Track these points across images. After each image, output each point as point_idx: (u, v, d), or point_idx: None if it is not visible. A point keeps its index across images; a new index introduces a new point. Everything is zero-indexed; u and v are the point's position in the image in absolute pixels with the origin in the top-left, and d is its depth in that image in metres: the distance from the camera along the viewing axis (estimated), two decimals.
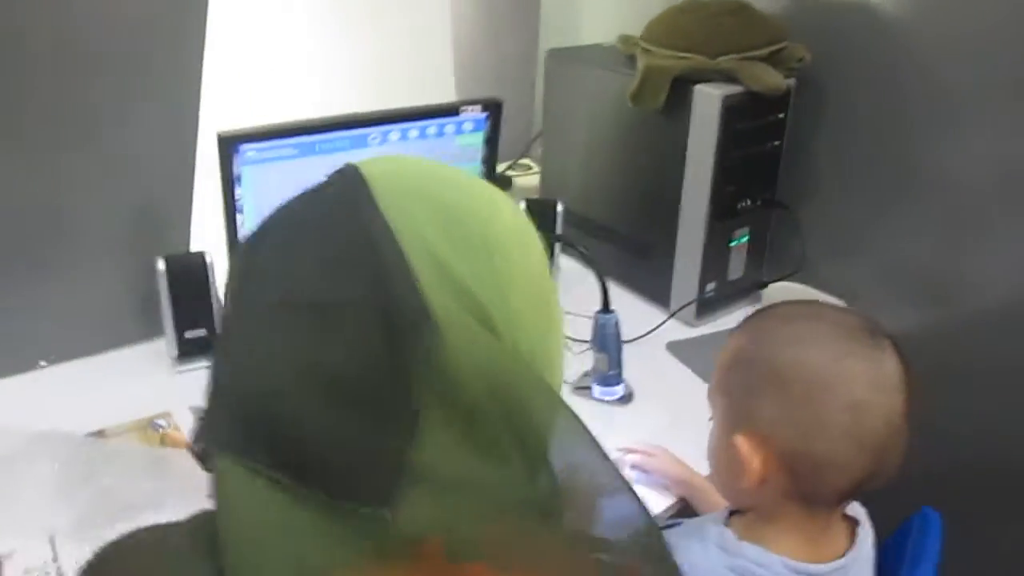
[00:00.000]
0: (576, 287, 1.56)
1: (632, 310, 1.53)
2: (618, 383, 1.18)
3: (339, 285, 0.47)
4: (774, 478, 0.73)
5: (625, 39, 1.49)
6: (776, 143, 1.44)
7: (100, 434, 1.08)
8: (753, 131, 1.40)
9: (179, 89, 1.25)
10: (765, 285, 1.54)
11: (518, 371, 0.50)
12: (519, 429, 0.48)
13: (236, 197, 1.25)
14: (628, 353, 1.37)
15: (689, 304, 1.46)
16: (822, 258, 1.54)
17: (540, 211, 1.51)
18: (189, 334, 1.28)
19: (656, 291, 1.53)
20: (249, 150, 1.23)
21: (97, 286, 1.26)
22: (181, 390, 1.23)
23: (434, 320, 0.46)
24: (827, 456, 0.70)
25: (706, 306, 1.48)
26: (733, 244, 1.47)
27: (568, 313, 1.45)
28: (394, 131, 1.35)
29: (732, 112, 1.34)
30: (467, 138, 1.43)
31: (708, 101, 1.34)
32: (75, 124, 1.18)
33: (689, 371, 1.37)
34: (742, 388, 0.74)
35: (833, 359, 0.71)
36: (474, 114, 1.42)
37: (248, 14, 1.43)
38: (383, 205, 0.49)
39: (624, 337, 1.42)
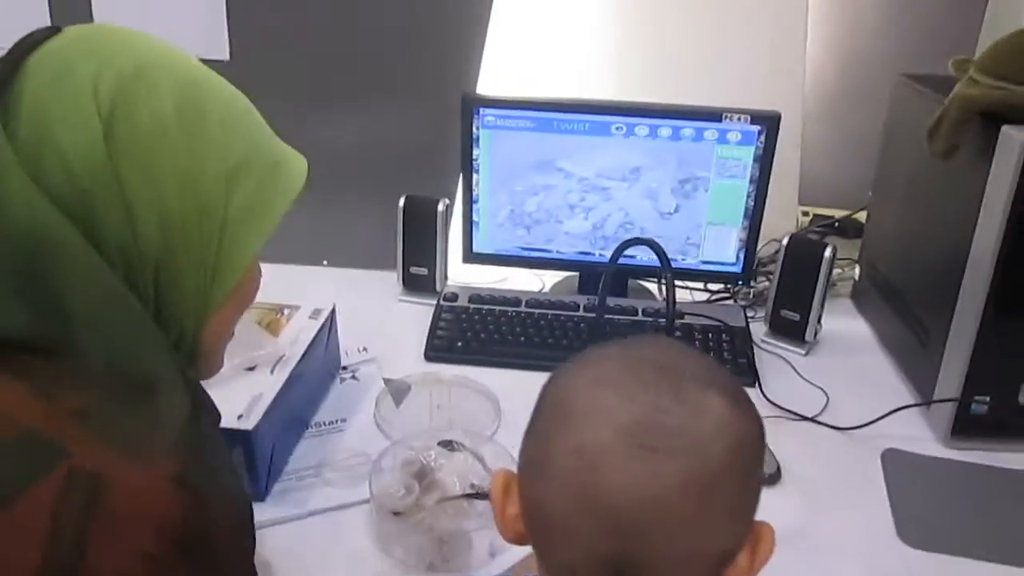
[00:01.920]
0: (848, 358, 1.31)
1: (889, 396, 1.21)
2: None
3: None
4: (527, 537, 0.57)
5: (960, 63, 1.16)
6: None
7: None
8: None
9: (460, 58, 1.39)
10: None
11: (61, 232, 0.52)
12: (29, 276, 0.52)
13: (473, 157, 1.34)
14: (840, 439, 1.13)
15: (935, 403, 1.10)
16: None
17: (804, 252, 1.29)
18: (414, 270, 1.42)
19: (922, 384, 1.18)
20: (488, 115, 1.31)
21: (367, 215, 1.46)
22: (394, 317, 1.37)
23: None
24: (548, 509, 0.52)
25: (973, 426, 1.10)
26: None
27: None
28: (642, 125, 1.29)
29: None
30: (732, 150, 1.29)
31: (1009, 146, 0.99)
32: (367, 85, 1.41)
33: (883, 490, 1.05)
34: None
35: (588, 384, 0.53)
36: (742, 124, 1.27)
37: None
38: (38, 54, 0.55)
39: (846, 422, 1.15)
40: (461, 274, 1.48)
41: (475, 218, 1.39)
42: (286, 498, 0.99)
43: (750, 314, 1.40)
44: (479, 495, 0.98)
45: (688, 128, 1.29)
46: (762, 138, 1.28)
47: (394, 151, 1.48)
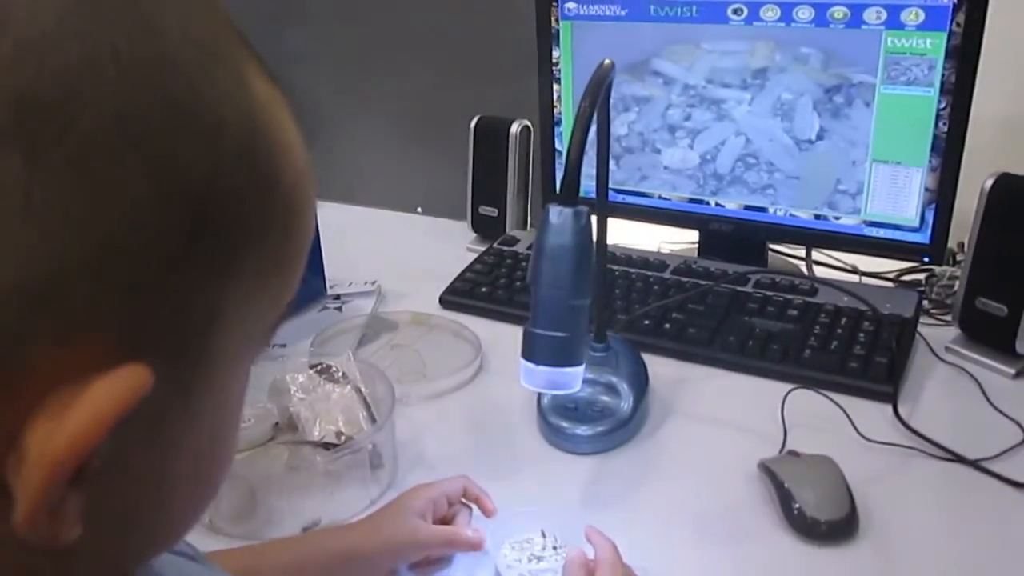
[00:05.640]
0: None
1: None
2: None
3: None
4: None
5: None
6: None
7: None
8: None
9: None
10: None
11: None
12: None
13: (553, 60, 1.03)
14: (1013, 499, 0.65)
15: None
16: None
17: (1020, 203, 0.78)
18: (483, 210, 1.13)
19: None
20: (569, 1, 0.99)
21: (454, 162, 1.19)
22: (445, 263, 1.07)
23: None
24: None
25: None
26: None
27: None
28: (770, 4, 0.88)
29: None
30: (910, 39, 0.83)
31: None
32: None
33: None
34: None
35: None
36: None
37: None
38: None
39: None
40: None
41: (557, 145, 1.07)
42: None
43: (937, 311, 0.90)
44: (338, 447, 0.66)
45: (839, 7, 0.85)
46: (960, 17, 0.80)
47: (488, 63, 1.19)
